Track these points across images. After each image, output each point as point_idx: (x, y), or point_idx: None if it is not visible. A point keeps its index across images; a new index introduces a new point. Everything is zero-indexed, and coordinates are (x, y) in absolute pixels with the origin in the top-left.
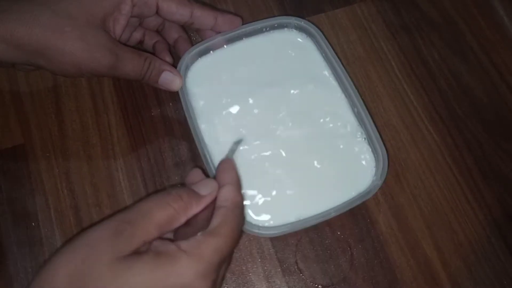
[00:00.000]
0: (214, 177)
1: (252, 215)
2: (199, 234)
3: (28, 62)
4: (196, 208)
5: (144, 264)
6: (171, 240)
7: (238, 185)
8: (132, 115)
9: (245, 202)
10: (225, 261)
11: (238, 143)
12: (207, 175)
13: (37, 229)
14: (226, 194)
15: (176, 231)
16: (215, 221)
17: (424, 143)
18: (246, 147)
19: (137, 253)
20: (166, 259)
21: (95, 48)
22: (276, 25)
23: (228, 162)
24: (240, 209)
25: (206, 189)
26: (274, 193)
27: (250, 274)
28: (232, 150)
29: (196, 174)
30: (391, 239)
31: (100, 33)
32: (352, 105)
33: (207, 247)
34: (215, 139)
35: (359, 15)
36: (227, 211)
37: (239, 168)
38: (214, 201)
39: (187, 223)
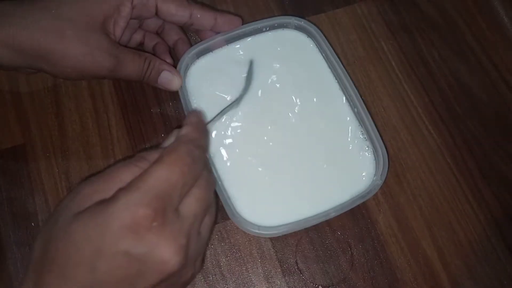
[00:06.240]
0: None
1: (252, 215)
2: None
3: (30, 66)
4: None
5: (88, 214)
6: None
7: (197, 125)
8: (132, 115)
9: (245, 202)
10: (180, 192)
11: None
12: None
13: (36, 229)
14: (182, 131)
15: None
16: (162, 153)
17: (424, 143)
18: (246, 146)
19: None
20: (107, 202)
21: (95, 51)
22: (276, 25)
23: (195, 111)
24: (194, 143)
25: (169, 140)
26: (274, 193)
27: (250, 274)
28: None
29: (193, 115)
30: (391, 239)
31: (100, 36)
32: (352, 105)
33: (146, 177)
34: (214, 139)
35: (359, 15)
36: (178, 142)
37: (240, 169)
38: None
39: None
